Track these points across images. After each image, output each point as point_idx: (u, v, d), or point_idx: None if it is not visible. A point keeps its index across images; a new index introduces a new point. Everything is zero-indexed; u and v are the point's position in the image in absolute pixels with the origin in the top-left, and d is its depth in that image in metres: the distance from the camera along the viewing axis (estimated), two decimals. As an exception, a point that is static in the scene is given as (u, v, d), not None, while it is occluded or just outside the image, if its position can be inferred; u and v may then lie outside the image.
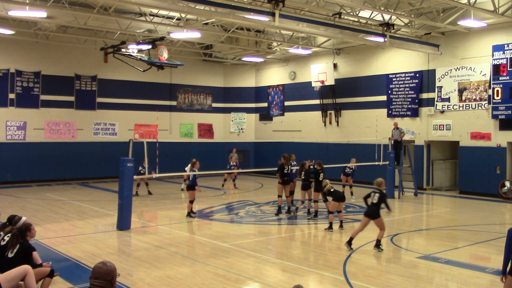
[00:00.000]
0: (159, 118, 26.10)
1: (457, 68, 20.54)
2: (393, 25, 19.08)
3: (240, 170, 22.77)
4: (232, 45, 24.61)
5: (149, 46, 19.46)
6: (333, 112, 25.49)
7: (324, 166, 14.63)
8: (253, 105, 30.11)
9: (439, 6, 18.31)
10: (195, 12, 16.29)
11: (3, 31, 20.48)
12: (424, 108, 21.77)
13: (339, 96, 25.16)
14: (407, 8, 17.97)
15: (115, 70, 25.19)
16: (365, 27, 19.98)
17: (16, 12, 17.38)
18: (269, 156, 25.53)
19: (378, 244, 10.63)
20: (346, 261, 9.83)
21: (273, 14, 15.25)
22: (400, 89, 22.58)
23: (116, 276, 4.37)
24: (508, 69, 18.63)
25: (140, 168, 18.04)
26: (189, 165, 15.88)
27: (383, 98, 23.21)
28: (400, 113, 22.54)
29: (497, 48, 18.95)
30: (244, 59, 27.56)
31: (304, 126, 26.98)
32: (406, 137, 21.54)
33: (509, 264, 5.95)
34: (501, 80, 18.82)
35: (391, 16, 18.48)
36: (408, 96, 22.26)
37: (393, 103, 22.85)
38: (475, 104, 19.97)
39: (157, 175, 15.21)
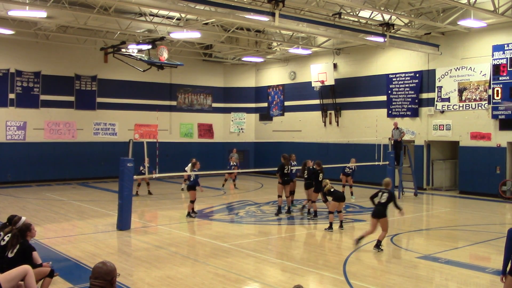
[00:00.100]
0: (159, 118, 26.11)
1: (457, 68, 20.54)
2: (393, 25, 19.08)
3: (240, 170, 22.77)
4: (232, 45, 24.60)
5: (149, 46, 19.47)
6: (333, 112, 25.49)
7: (324, 166, 14.64)
8: (253, 105, 30.11)
9: (439, 6, 18.31)
10: (195, 12, 16.30)
11: (3, 31, 20.48)
12: (424, 108, 21.77)
13: (339, 96, 25.16)
14: (407, 8, 17.97)
15: (115, 70, 25.19)
16: (365, 27, 19.98)
17: (16, 12, 17.38)
18: (269, 156, 25.54)
19: (378, 245, 10.63)
20: (346, 261, 9.83)
21: (273, 14, 15.25)
22: (400, 89, 22.58)
23: (116, 276, 4.37)
24: (508, 69, 18.63)
25: (141, 168, 18.04)
26: (189, 165, 15.89)
27: (383, 98, 23.21)
28: (400, 113, 22.54)
29: (497, 48, 18.95)
30: (244, 59, 27.56)
31: (304, 126, 26.98)
32: (406, 137, 21.54)
33: (509, 264, 5.95)
34: (501, 80, 18.82)
35: (391, 16, 18.48)
36: (408, 96, 22.26)
37: (393, 103, 22.85)
38: (475, 104, 19.97)
39: (157, 175, 15.21)
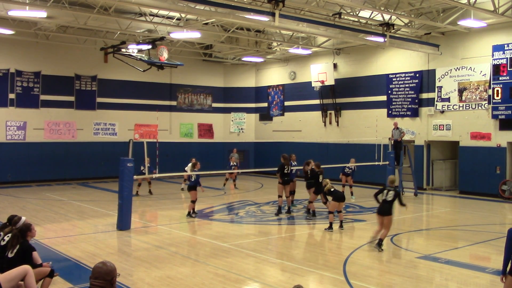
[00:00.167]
0: (159, 118, 26.11)
1: (457, 68, 20.54)
2: (393, 25, 19.07)
3: (240, 170, 22.76)
4: (232, 45, 24.61)
5: (149, 46, 19.47)
6: (333, 112, 25.49)
7: (324, 166, 14.66)
8: (253, 105, 30.11)
9: (439, 6, 18.31)
10: (195, 12, 16.30)
11: (3, 31, 20.48)
12: (424, 108, 21.77)
13: (339, 96, 25.16)
14: (407, 8, 17.96)
15: (115, 70, 25.19)
16: (365, 27, 19.98)
17: (16, 12, 17.38)
18: (269, 156, 25.52)
19: (380, 243, 10.64)
20: (346, 261, 9.83)
21: (273, 14, 15.25)
22: (400, 89, 22.58)
23: (116, 276, 4.37)
24: (508, 69, 18.63)
25: (142, 168, 18.03)
26: (189, 164, 15.88)
27: (383, 98, 23.22)
28: (400, 113, 22.53)
29: (497, 48, 18.95)
30: (244, 59, 27.56)
31: (304, 126, 26.99)
32: (406, 137, 21.54)
33: (509, 264, 5.95)
34: (501, 80, 18.82)
35: (391, 16, 18.48)
36: (408, 96, 22.26)
37: (393, 103, 22.85)
38: (475, 104, 19.97)
39: (157, 175, 15.21)
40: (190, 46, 25.74)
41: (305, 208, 15.56)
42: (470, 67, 20.13)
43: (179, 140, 27.48)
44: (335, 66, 25.20)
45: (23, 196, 19.09)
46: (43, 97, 23.76)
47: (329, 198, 13.33)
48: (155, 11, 19.54)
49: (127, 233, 12.54)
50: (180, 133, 28.28)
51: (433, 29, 20.43)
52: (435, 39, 21.16)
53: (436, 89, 21.22)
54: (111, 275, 4.29)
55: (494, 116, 19.13)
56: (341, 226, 13.00)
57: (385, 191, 10.88)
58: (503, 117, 18.89)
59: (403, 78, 22.47)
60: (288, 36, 23.28)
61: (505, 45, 18.74)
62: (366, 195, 19.87)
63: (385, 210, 10.78)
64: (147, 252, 10.55)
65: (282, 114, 28.47)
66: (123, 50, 20.30)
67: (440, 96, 21.11)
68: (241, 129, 30.09)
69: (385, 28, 18.86)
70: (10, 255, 6.90)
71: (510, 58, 18.61)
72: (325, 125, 25.88)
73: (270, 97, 29.26)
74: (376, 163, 19.18)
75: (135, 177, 13.50)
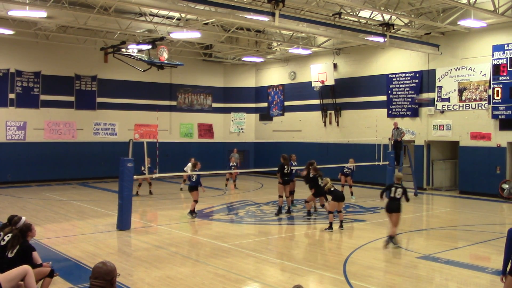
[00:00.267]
0: (159, 118, 26.11)
1: (457, 68, 20.54)
2: (393, 25, 19.07)
3: (239, 170, 22.75)
4: (232, 45, 24.61)
5: (149, 46, 19.46)
6: (333, 112, 25.49)
7: (324, 166, 14.67)
8: (253, 105, 30.11)
9: (439, 6, 18.30)
10: (195, 12, 16.30)
11: (3, 31, 20.48)
12: (424, 108, 21.77)
13: (339, 96, 25.16)
14: (407, 8, 17.96)
15: (115, 70, 25.19)
16: (365, 27, 19.98)
17: (16, 12, 17.38)
18: (269, 156, 25.52)
19: (393, 240, 10.78)
20: (346, 261, 9.83)
21: (273, 14, 15.24)
22: (400, 89, 22.58)
23: (116, 276, 4.37)
24: (508, 69, 18.63)
25: (142, 168, 18.02)
26: (189, 164, 15.88)
27: (383, 98, 23.22)
28: (400, 113, 22.53)
29: (497, 48, 18.95)
30: (244, 59, 27.56)
31: (304, 126, 26.99)
32: (406, 137, 21.54)
33: (509, 264, 5.95)
34: (501, 80, 18.82)
35: (391, 16, 18.48)
36: (408, 96, 22.26)
37: (393, 103, 22.85)
38: (475, 104, 19.97)
39: (157, 175, 15.21)
40: (190, 46, 25.74)
41: (305, 208, 15.55)
42: (470, 67, 20.13)
43: (179, 140, 27.48)
44: (335, 66, 25.20)
45: (23, 196, 19.09)
46: (43, 97, 23.76)
47: (329, 197, 13.33)
48: (155, 11, 19.54)
49: (127, 233, 12.54)
50: (180, 133, 28.28)
51: (433, 29, 20.43)
52: (435, 39, 21.16)
53: (436, 89, 21.22)
54: (111, 275, 4.30)
55: (494, 116, 19.13)
56: (341, 226, 13.00)
57: (393, 189, 10.99)
58: (503, 117, 18.89)
59: (403, 78, 22.47)
60: (288, 36, 23.28)
61: (505, 45, 18.74)
62: (366, 195, 19.88)
63: (394, 207, 10.91)
64: (147, 252, 10.55)
65: (282, 114, 28.47)
66: (123, 50, 20.29)
67: (440, 96, 21.10)
68: (241, 129, 30.09)
69: (385, 28, 18.85)
70: (10, 255, 6.90)
71: (510, 58, 18.61)
72: (325, 125, 25.88)
73: (270, 97, 29.26)
74: (376, 163, 19.18)
75: (135, 177, 13.50)
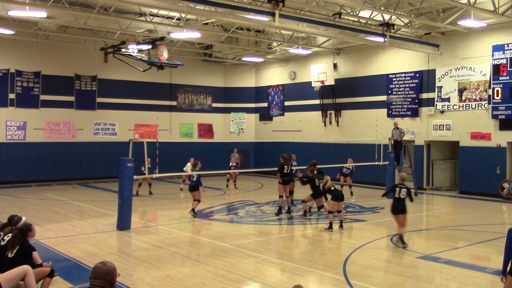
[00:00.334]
0: (159, 118, 26.11)
1: (457, 68, 20.54)
2: (393, 25, 19.07)
3: (239, 170, 22.75)
4: (232, 45, 24.61)
5: (149, 46, 19.46)
6: (333, 112, 25.49)
7: (324, 166, 14.66)
8: (253, 105, 30.11)
9: (439, 6, 18.31)
10: (195, 12, 16.30)
11: (3, 31, 20.48)
12: (424, 108, 21.77)
13: (339, 96, 25.16)
14: (407, 8, 17.96)
15: (115, 70, 25.19)
16: (365, 27, 19.97)
17: (16, 12, 17.38)
18: (269, 156, 25.52)
19: (402, 240, 10.78)
20: (346, 261, 9.83)
21: (273, 14, 15.25)
22: (400, 89, 22.58)
23: (116, 276, 4.37)
24: (508, 69, 18.63)
25: (142, 168, 18.01)
26: (188, 164, 15.87)
27: (383, 98, 23.22)
28: (400, 113, 22.53)
29: (497, 48, 18.95)
30: (244, 59, 27.56)
31: (304, 126, 26.98)
32: (406, 137, 21.54)
33: (509, 264, 5.95)
34: (501, 80, 18.82)
35: (391, 16, 18.48)
36: (408, 96, 22.26)
37: (393, 103, 22.84)
38: (475, 104, 19.96)
39: (157, 175, 15.21)
40: (190, 46, 25.74)
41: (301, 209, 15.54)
42: (470, 67, 20.13)
43: (179, 140, 27.49)
44: (335, 66, 25.20)
45: (23, 196, 19.09)
46: (43, 97, 23.76)
47: (329, 196, 13.33)
48: (155, 11, 19.54)
49: (127, 233, 12.54)
50: (180, 133, 28.28)
51: (433, 29, 20.43)
52: (435, 39, 21.16)
53: (436, 89, 21.22)
54: (111, 275, 4.30)
55: (494, 116, 19.12)
56: (341, 226, 12.99)
57: (397, 189, 10.98)
58: (503, 117, 18.89)
59: (403, 78, 22.47)
60: (288, 36, 23.28)
61: (505, 45, 18.74)
62: (366, 195, 19.89)
63: (399, 208, 10.95)
64: (147, 252, 10.55)
65: (282, 114, 28.46)
66: (123, 50, 20.30)
67: (440, 96, 21.10)
68: (241, 129, 30.09)
69: (385, 28, 18.85)
70: (10, 255, 6.90)
71: (510, 58, 18.61)
72: (325, 125, 25.88)
73: (270, 97, 29.26)
74: (376, 163, 19.19)
75: (135, 177, 13.50)
